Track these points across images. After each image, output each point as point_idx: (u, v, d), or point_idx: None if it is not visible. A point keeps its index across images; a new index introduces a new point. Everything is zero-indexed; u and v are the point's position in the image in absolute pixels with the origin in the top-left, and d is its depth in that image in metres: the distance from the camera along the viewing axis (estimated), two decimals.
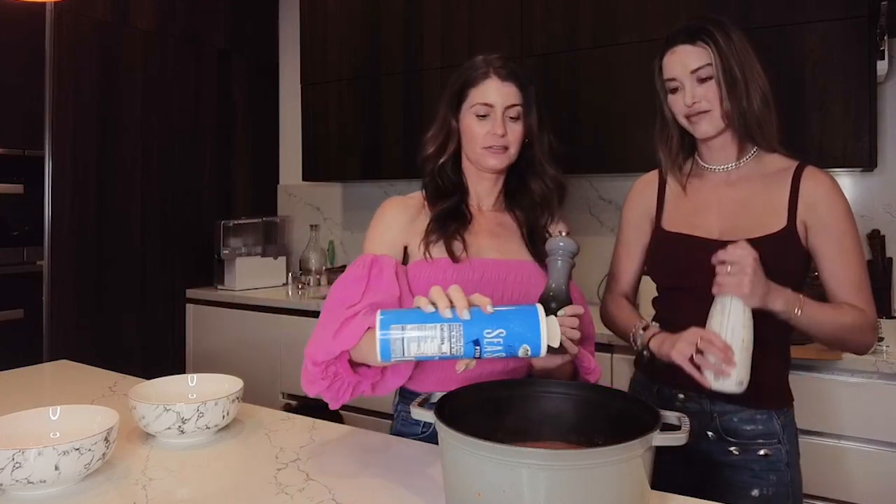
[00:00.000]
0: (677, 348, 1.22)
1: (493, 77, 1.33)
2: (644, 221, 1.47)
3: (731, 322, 1.16)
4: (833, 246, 1.28)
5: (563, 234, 1.16)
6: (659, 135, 1.42)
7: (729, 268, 1.15)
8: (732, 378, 1.15)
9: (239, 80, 3.51)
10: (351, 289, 1.26)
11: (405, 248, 1.36)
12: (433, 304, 0.98)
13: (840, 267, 1.29)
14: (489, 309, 0.97)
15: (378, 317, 0.97)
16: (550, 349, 1.01)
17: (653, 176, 1.48)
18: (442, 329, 0.95)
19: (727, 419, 1.30)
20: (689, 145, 1.42)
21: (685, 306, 1.33)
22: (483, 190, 1.42)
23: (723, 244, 1.28)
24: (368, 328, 1.15)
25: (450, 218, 1.35)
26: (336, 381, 1.23)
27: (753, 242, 1.26)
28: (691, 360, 1.20)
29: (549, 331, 0.97)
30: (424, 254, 1.31)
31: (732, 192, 1.35)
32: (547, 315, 1.00)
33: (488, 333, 0.95)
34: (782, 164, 1.34)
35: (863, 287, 1.30)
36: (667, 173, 1.44)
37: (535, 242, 1.38)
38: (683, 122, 1.35)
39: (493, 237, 1.38)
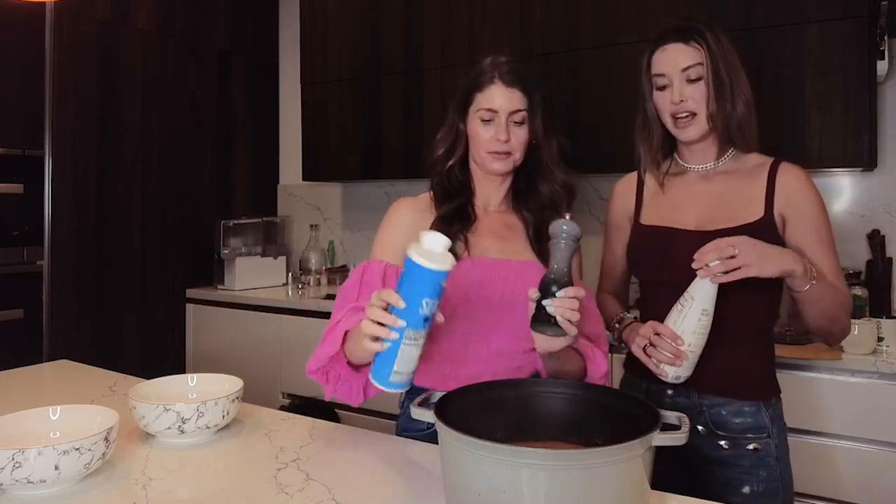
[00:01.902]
0: (636, 341, 1.29)
1: (497, 82, 1.34)
2: (624, 220, 1.50)
3: (684, 325, 1.22)
4: (813, 237, 1.31)
5: (568, 217, 1.15)
6: (640, 132, 1.44)
7: (735, 250, 1.16)
8: (671, 372, 1.25)
9: (239, 80, 3.51)
10: (344, 299, 1.32)
11: None
12: (375, 337, 1.04)
13: (821, 257, 1.31)
14: (399, 302, 1.04)
15: (372, 380, 1.08)
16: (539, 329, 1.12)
17: (632, 176, 1.51)
18: (408, 338, 1.04)
19: (716, 412, 1.32)
20: (668, 144, 1.44)
21: (665, 302, 1.34)
22: (490, 191, 1.42)
23: (700, 235, 1.31)
24: (346, 331, 1.24)
25: (454, 218, 1.36)
26: (341, 382, 1.28)
27: (731, 231, 1.29)
28: (645, 351, 1.28)
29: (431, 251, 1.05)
30: None
31: (709, 187, 1.38)
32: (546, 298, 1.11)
33: (427, 303, 1.04)
34: (758, 161, 1.37)
35: (841, 276, 1.35)
36: (645, 171, 1.46)
37: (542, 243, 1.37)
38: (668, 121, 1.36)
39: (498, 238, 1.39)
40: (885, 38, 2.13)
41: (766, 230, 1.30)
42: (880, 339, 1.95)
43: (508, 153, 1.34)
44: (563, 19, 2.56)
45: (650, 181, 1.45)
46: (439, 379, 1.32)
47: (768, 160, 1.37)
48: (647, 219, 1.44)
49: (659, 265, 1.37)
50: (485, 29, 2.72)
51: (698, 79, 1.31)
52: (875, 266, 2.29)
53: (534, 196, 1.41)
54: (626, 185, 1.52)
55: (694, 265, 1.18)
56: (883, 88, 2.33)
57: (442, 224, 1.34)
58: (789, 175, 1.33)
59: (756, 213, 1.32)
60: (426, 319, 1.05)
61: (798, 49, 2.14)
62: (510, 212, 1.43)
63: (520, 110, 1.34)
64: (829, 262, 1.32)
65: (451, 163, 1.40)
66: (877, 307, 2.18)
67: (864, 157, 2.09)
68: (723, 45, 1.32)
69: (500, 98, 1.33)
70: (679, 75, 1.32)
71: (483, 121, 1.34)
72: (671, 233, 1.36)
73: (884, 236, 2.31)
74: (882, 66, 2.13)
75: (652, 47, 1.37)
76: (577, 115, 2.53)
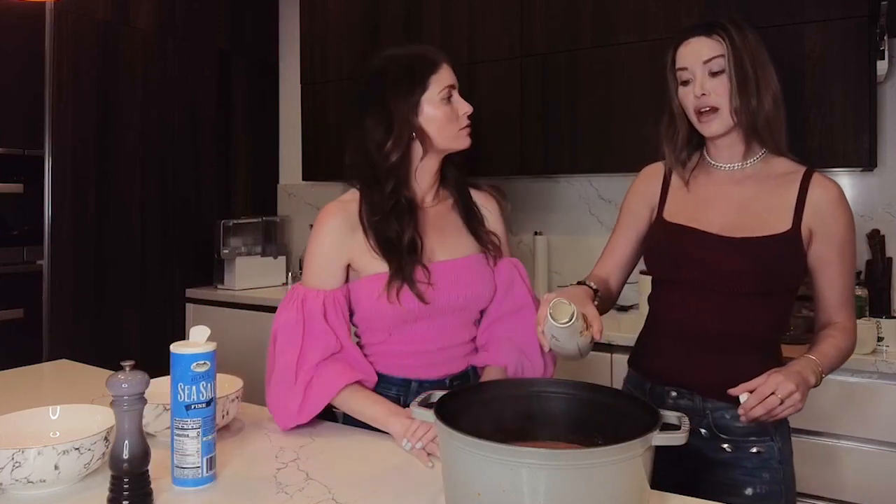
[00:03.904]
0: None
1: (444, 62, 1.38)
2: (643, 209, 1.45)
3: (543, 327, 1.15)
4: (835, 255, 1.29)
5: (131, 369, 0.99)
6: (665, 130, 1.40)
7: (780, 399, 1.12)
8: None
9: (239, 80, 3.51)
10: (289, 337, 1.31)
11: (348, 265, 1.37)
12: None
13: (839, 277, 1.30)
14: None
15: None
16: None
17: (659, 166, 1.46)
18: (176, 428, 1.08)
19: (719, 416, 1.30)
20: (696, 140, 1.40)
21: (676, 300, 1.33)
22: (426, 183, 1.41)
23: (722, 240, 1.29)
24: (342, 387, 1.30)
25: (407, 258, 1.32)
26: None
27: (756, 242, 1.27)
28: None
29: None
30: (384, 291, 1.31)
31: (737, 190, 1.34)
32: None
33: (182, 388, 1.08)
34: (790, 168, 1.33)
35: (852, 297, 1.34)
36: (671, 168, 1.42)
37: (473, 219, 1.44)
38: (693, 117, 1.32)
39: (439, 233, 1.40)
40: (885, 38, 2.13)
41: (792, 244, 1.27)
42: (880, 339, 1.95)
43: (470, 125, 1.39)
44: (563, 19, 2.56)
45: (676, 177, 1.42)
46: (382, 366, 1.39)
47: (800, 169, 1.32)
48: (670, 215, 1.39)
49: (676, 264, 1.33)
50: (485, 29, 2.72)
51: (720, 72, 1.28)
52: (875, 266, 2.29)
53: (453, 171, 1.45)
54: (652, 174, 1.46)
55: (744, 417, 1.15)
56: (883, 88, 2.33)
57: (395, 270, 1.31)
58: (822, 189, 1.29)
59: (783, 224, 1.28)
60: (188, 407, 1.06)
61: (798, 49, 2.14)
62: (440, 202, 1.45)
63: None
64: (846, 285, 1.31)
65: (395, 158, 1.34)
66: (877, 307, 2.18)
67: (864, 157, 2.09)
68: (749, 40, 1.29)
69: (452, 75, 1.38)
70: (701, 68, 1.29)
71: (444, 100, 1.36)
72: (693, 233, 1.33)
73: (883, 236, 2.31)
74: (882, 66, 2.13)
75: (676, 42, 1.34)
76: (577, 115, 2.54)
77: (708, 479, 1.31)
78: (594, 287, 1.32)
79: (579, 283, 1.33)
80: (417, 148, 1.37)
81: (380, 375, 1.38)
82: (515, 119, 2.66)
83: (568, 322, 1.10)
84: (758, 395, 1.12)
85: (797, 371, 1.17)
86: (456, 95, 1.38)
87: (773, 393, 1.12)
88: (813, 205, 1.28)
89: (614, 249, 1.48)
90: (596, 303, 1.27)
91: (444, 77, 1.35)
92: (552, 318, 1.11)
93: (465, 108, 1.37)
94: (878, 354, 1.89)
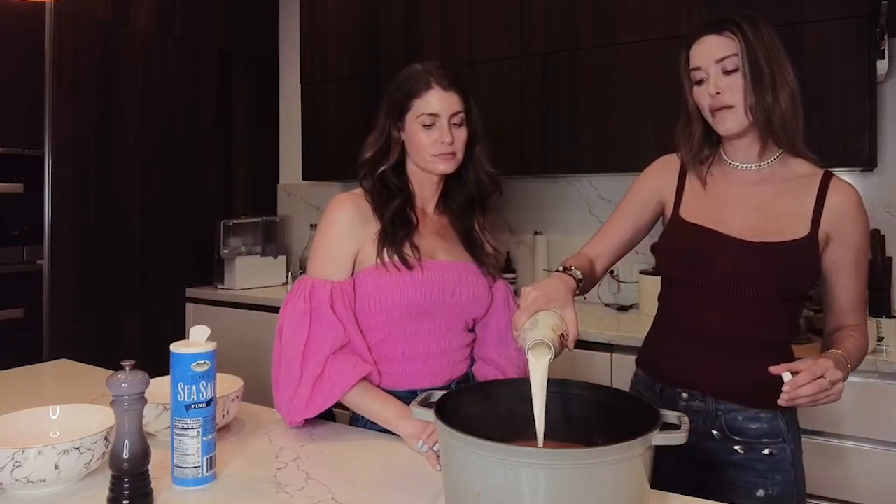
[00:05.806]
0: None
1: (435, 87, 1.36)
2: (652, 198, 1.43)
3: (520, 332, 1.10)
4: (851, 261, 1.29)
5: (131, 369, 0.99)
6: (682, 131, 1.38)
7: (828, 384, 1.10)
8: None
9: (239, 80, 3.51)
10: (296, 328, 1.32)
11: (356, 256, 1.39)
12: None
13: (853, 282, 1.30)
14: None
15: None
16: None
17: (674, 158, 1.43)
18: (176, 427, 1.08)
19: (732, 418, 1.29)
20: (715, 139, 1.37)
21: (690, 301, 1.33)
22: (428, 193, 1.46)
23: (743, 244, 1.27)
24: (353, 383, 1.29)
25: (398, 225, 1.38)
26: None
27: (774, 247, 1.26)
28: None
29: None
30: (377, 262, 1.35)
31: (754, 192, 1.32)
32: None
33: (182, 388, 1.09)
34: (807, 170, 1.31)
35: (865, 301, 1.34)
36: (688, 168, 1.39)
37: (472, 243, 1.47)
38: (708, 116, 1.30)
39: (441, 238, 1.44)
40: (885, 37, 2.13)
41: (808, 249, 1.26)
42: (880, 339, 1.95)
43: (453, 153, 1.38)
44: (564, 19, 2.56)
45: (692, 174, 1.39)
46: (386, 377, 1.38)
47: (818, 171, 1.31)
48: (687, 214, 1.37)
49: (694, 265, 1.31)
50: (485, 29, 2.72)
51: (734, 70, 1.25)
52: (875, 266, 2.29)
53: (462, 190, 1.47)
54: (667, 165, 1.43)
55: (787, 397, 1.10)
56: (883, 88, 2.33)
57: (387, 235, 1.36)
58: (841, 194, 1.28)
59: (801, 229, 1.27)
60: (188, 407, 1.06)
61: (798, 49, 2.14)
62: (443, 213, 1.49)
63: (458, 112, 1.38)
64: (859, 290, 1.31)
65: (383, 168, 1.41)
66: (877, 307, 2.18)
67: (864, 157, 2.09)
68: (763, 36, 1.25)
69: (439, 102, 1.36)
70: (714, 67, 1.26)
71: (425, 126, 1.37)
72: (713, 235, 1.31)
73: (883, 236, 2.31)
74: (882, 66, 2.13)
75: (689, 42, 1.32)
76: (578, 115, 2.54)
77: (720, 481, 1.30)
78: (579, 276, 1.25)
79: (565, 268, 1.26)
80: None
81: (385, 391, 1.37)
82: (515, 119, 2.67)
83: (547, 359, 1.04)
84: (810, 374, 1.09)
85: (835, 361, 1.14)
86: (441, 123, 1.36)
87: (821, 376, 1.09)
88: (831, 210, 1.27)
89: (610, 231, 1.45)
90: (577, 292, 1.24)
91: (427, 103, 1.36)
92: (530, 353, 1.04)
93: (445, 137, 1.36)
94: (878, 354, 1.89)
